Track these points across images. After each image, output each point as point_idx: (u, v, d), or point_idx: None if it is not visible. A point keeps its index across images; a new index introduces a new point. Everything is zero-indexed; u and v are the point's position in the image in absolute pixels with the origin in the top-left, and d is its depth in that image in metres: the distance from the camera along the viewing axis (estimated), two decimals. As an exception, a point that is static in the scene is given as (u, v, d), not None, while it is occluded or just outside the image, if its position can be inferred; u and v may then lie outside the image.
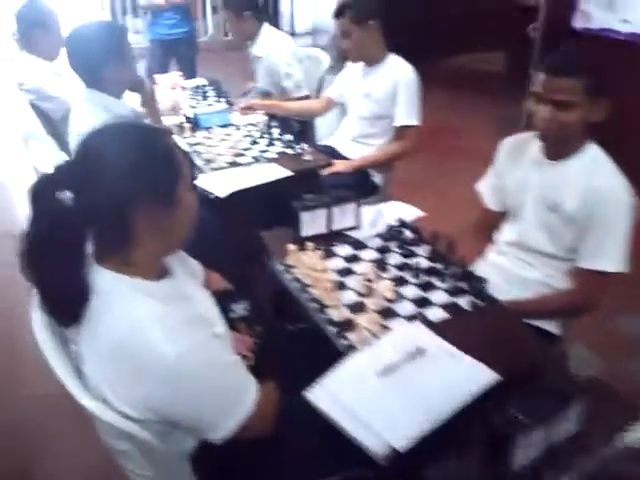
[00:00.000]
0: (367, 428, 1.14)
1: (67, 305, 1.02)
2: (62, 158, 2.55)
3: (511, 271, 1.79)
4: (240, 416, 1.06)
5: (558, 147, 1.66)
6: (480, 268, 1.76)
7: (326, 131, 3.16)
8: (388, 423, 1.15)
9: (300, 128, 3.16)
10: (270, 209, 2.22)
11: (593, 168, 1.62)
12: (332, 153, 2.73)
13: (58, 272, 1.00)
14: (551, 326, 1.73)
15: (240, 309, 1.34)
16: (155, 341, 0.97)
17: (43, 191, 1.00)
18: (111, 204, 1.01)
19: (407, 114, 2.55)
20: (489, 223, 1.94)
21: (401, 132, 2.59)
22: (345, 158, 2.71)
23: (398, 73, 2.55)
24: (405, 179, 3.05)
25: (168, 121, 2.74)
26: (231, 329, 1.26)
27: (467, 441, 1.16)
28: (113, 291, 1.02)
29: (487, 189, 1.92)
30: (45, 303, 1.03)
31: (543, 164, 1.71)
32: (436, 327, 1.41)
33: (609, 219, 1.58)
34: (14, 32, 2.89)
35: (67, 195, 0.99)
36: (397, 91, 2.54)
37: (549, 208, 1.69)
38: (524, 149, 1.78)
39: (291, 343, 1.52)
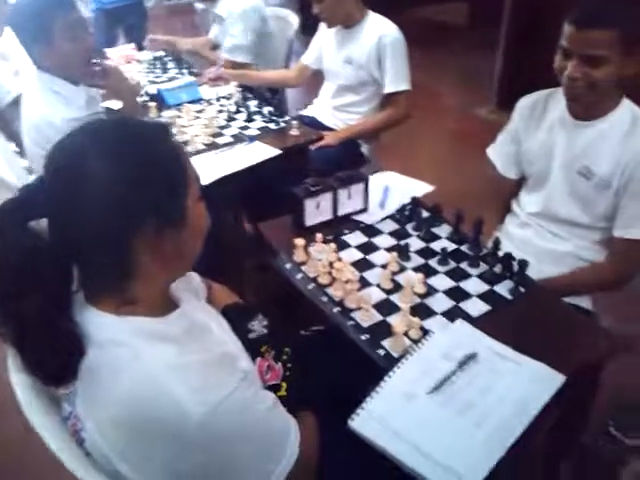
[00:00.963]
0: (430, 459, 0.97)
1: (56, 362, 0.79)
2: (8, 150, 2.27)
3: (539, 245, 1.62)
4: (284, 467, 0.87)
5: (588, 106, 1.47)
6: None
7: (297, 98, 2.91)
8: (455, 452, 0.97)
9: (272, 98, 2.90)
10: (259, 195, 2.00)
11: (629, 128, 1.45)
12: (314, 124, 2.49)
13: (41, 322, 0.76)
14: (583, 302, 1.58)
15: (259, 327, 1.13)
16: (175, 397, 0.76)
17: (10, 221, 0.76)
18: (102, 232, 0.77)
19: (396, 79, 2.31)
20: (506, 193, 1.77)
21: (391, 98, 2.36)
22: (329, 129, 2.49)
23: (381, 34, 2.28)
24: (382, 146, 2.83)
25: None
26: (252, 352, 1.04)
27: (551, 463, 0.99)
28: (114, 339, 0.79)
29: (500, 156, 1.74)
30: (27, 362, 0.80)
31: (571, 125, 1.52)
32: (480, 323, 1.23)
33: None
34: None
35: (42, 224, 0.77)
36: (382, 54, 2.29)
37: (580, 173, 1.52)
38: (546, 109, 1.60)
39: (310, 350, 1.31)
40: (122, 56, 3.03)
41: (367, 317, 1.25)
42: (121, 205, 0.77)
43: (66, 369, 0.80)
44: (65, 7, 1.76)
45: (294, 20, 3.03)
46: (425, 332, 1.21)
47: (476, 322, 1.24)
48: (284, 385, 1.05)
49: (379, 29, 2.30)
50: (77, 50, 1.78)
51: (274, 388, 1.03)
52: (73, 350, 0.79)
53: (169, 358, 0.79)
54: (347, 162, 2.41)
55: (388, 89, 2.33)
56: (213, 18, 2.99)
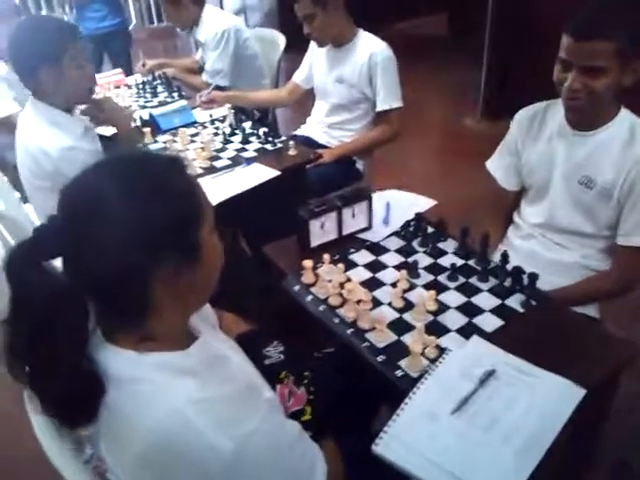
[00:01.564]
0: (459, 481, 0.95)
1: (77, 403, 0.77)
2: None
3: (544, 256, 1.63)
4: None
5: (587, 117, 1.49)
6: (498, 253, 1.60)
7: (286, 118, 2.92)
8: (485, 471, 0.96)
9: (265, 118, 2.91)
10: (257, 216, 1.99)
11: (629, 137, 1.46)
12: (308, 143, 2.50)
13: (59, 363, 0.75)
14: (590, 310, 1.59)
15: (275, 353, 1.11)
16: (205, 433, 0.75)
17: (24, 262, 0.75)
18: (117, 270, 0.76)
19: (388, 97, 2.32)
20: (507, 205, 1.78)
21: (384, 116, 2.37)
22: (323, 147, 2.49)
23: (372, 52, 2.28)
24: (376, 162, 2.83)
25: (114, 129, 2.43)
26: (270, 380, 1.03)
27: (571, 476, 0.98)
28: (135, 376, 0.78)
29: (500, 169, 1.75)
30: (47, 404, 0.78)
31: (570, 135, 1.54)
32: (495, 338, 1.23)
33: None
34: None
35: (55, 264, 0.75)
36: (373, 73, 2.30)
37: (581, 184, 1.53)
38: (544, 120, 1.61)
39: (328, 372, 1.28)
40: (110, 82, 3.03)
41: (382, 337, 1.24)
42: (138, 242, 0.76)
43: (85, 410, 0.79)
44: (74, 34, 1.77)
45: (281, 41, 3.05)
46: (441, 350, 1.20)
47: (491, 337, 1.24)
48: (308, 409, 1.03)
49: (369, 47, 2.31)
50: (82, 78, 1.79)
51: (297, 413, 1.02)
52: (93, 390, 0.78)
53: (193, 392, 0.77)
54: (343, 179, 2.42)
55: (380, 107, 2.34)
56: (195, 42, 3.01)
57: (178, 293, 0.81)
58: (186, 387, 0.78)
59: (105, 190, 0.76)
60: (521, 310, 1.32)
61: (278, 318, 1.60)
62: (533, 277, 1.34)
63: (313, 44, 2.49)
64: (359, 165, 2.53)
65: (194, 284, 0.82)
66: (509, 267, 1.40)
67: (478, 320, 1.29)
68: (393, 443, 1.02)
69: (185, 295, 0.83)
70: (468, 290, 1.38)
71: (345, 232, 1.59)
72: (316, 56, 2.50)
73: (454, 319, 1.29)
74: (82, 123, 1.87)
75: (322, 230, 1.56)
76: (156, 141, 2.27)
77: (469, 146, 2.21)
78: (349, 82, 2.35)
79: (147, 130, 2.27)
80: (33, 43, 1.72)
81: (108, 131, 2.32)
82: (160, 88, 2.94)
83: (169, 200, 0.78)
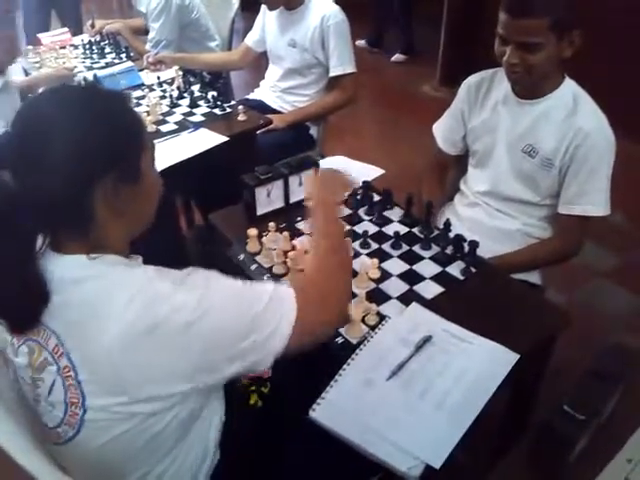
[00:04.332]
0: (391, 444, 0.98)
1: (24, 307, 0.83)
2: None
3: (487, 224, 1.66)
4: (288, 308, 0.91)
5: (529, 87, 1.50)
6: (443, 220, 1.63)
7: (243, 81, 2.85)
8: (416, 436, 0.99)
9: (216, 82, 2.83)
10: (207, 183, 1.96)
11: (572, 107, 1.48)
12: (261, 107, 2.45)
13: (7, 268, 0.81)
14: (533, 277, 1.63)
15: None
16: (170, 295, 0.81)
17: None
18: (63, 185, 0.81)
19: (342, 62, 2.28)
20: (441, 166, 1.81)
21: (337, 81, 2.33)
22: (276, 112, 2.45)
23: (323, 15, 2.23)
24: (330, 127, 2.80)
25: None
26: None
27: (505, 439, 1.02)
28: (91, 274, 0.83)
29: (441, 131, 1.77)
30: None
31: (514, 104, 1.55)
32: (434, 305, 1.25)
33: (592, 161, 1.46)
34: None
35: (5, 176, 0.81)
36: (325, 36, 2.26)
37: (524, 152, 1.55)
38: (491, 87, 1.62)
39: None
40: (56, 41, 2.90)
41: (323, 305, 1.25)
42: (81, 154, 0.81)
43: (32, 314, 0.83)
44: None
45: (235, 0, 2.96)
46: (382, 317, 1.22)
47: (430, 304, 1.26)
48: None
49: (321, 10, 2.25)
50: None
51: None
52: (40, 294, 0.82)
53: (148, 273, 0.85)
54: (296, 145, 2.39)
55: (333, 72, 2.31)
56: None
57: (119, 210, 0.86)
58: (143, 271, 0.86)
59: (53, 110, 0.83)
60: (461, 277, 1.34)
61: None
62: (473, 245, 1.36)
63: (265, 7, 2.43)
64: (313, 131, 2.50)
65: (134, 204, 0.88)
66: (451, 235, 1.42)
67: (419, 287, 1.31)
68: (329, 409, 1.04)
69: (126, 214, 0.88)
70: (411, 258, 1.39)
71: (292, 200, 1.58)
72: (268, 19, 2.43)
73: (395, 286, 1.31)
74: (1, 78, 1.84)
75: (268, 198, 1.54)
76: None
77: (425, 113, 2.19)
78: (302, 46, 2.31)
79: (91, 93, 2.18)
80: None
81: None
82: (108, 49, 2.83)
83: (114, 120, 0.86)
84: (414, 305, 1.25)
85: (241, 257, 1.41)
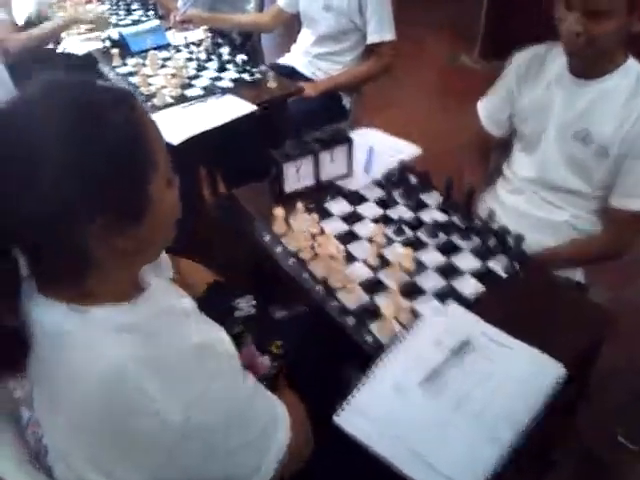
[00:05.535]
0: (422, 463, 0.89)
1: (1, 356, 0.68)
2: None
3: (531, 213, 1.53)
4: (279, 446, 0.80)
5: (590, 63, 1.36)
6: (485, 208, 1.51)
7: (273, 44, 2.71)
8: (450, 455, 0.90)
9: (244, 44, 2.69)
10: (232, 155, 1.85)
11: (635, 89, 1.33)
12: (292, 74, 2.33)
13: None
14: (575, 274, 1.51)
15: (246, 305, 1.00)
16: (149, 392, 0.66)
17: None
18: (42, 219, 0.65)
19: (380, 28, 2.14)
20: (484, 148, 1.68)
21: (375, 49, 2.19)
22: (308, 79, 2.32)
23: None
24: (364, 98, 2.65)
25: (88, 46, 2.24)
26: (236, 338, 0.93)
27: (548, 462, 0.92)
28: (68, 331, 0.68)
29: (486, 110, 1.64)
30: None
31: (570, 83, 1.41)
32: (473, 305, 1.15)
33: None
34: None
35: None
36: (363, 1, 2.12)
37: (577, 137, 1.41)
38: (544, 64, 1.47)
39: (284, 336, 1.18)
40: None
41: (353, 297, 1.16)
42: (65, 189, 0.63)
43: (10, 364, 0.70)
44: None
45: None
46: (415, 315, 1.12)
47: (469, 303, 1.15)
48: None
49: (360, -29, 2.10)
50: None
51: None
52: (18, 345, 0.69)
53: (134, 349, 0.68)
54: (328, 116, 2.27)
55: (371, 39, 2.16)
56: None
57: (120, 251, 0.70)
58: (126, 343, 0.69)
59: (31, 130, 0.64)
60: (504, 274, 1.23)
61: (249, 268, 1.51)
62: (519, 239, 1.24)
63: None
64: (345, 102, 2.37)
65: (138, 245, 0.72)
66: (495, 226, 1.30)
67: (457, 283, 1.20)
68: (355, 415, 0.95)
69: (127, 256, 0.72)
70: (449, 250, 1.28)
71: (323, 178, 1.48)
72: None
73: (432, 281, 1.20)
74: None
75: (297, 175, 1.44)
76: (125, 64, 2.09)
77: (464, 86, 2.05)
78: (338, 10, 2.16)
79: (115, 52, 2.08)
80: None
81: (81, 49, 2.16)
82: (135, 5, 2.71)
83: (106, 147, 0.66)
84: (453, 306, 1.14)
85: (267, 238, 1.32)
